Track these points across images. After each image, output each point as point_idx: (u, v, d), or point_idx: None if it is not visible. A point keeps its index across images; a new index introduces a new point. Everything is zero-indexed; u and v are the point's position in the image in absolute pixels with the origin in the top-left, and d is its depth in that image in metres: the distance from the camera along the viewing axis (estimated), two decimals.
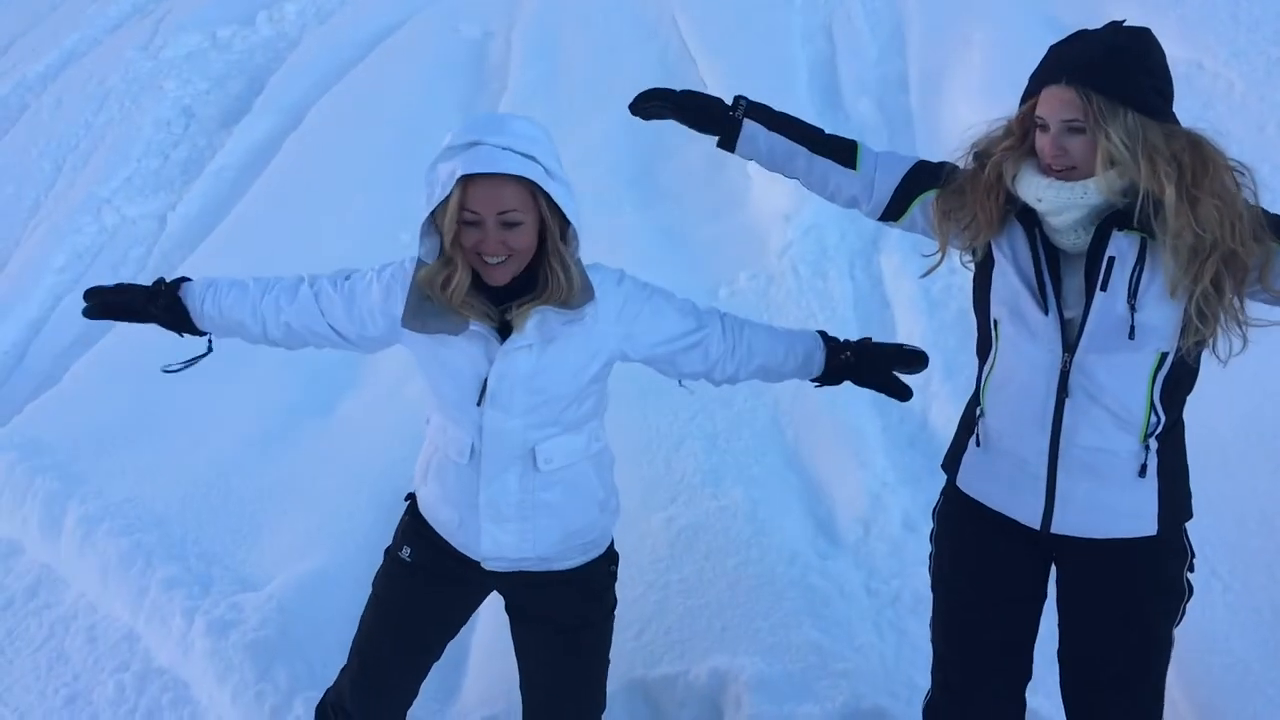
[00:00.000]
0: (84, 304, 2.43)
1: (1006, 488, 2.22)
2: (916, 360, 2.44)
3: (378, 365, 3.86)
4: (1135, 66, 1.95)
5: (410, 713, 2.61)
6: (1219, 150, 1.96)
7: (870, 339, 2.49)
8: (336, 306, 2.32)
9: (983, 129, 2.15)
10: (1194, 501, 2.21)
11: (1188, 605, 2.21)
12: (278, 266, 5.24)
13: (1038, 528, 2.19)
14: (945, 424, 3.84)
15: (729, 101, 2.44)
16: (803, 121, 2.43)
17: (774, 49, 6.57)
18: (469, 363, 2.18)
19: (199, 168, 6.81)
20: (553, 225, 2.08)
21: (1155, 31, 2.02)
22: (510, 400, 2.18)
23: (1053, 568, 2.32)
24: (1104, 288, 2.00)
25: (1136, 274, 1.98)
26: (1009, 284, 2.13)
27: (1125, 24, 2.02)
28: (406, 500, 2.53)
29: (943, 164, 2.27)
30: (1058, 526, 2.17)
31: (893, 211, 2.32)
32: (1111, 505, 2.12)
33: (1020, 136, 2.07)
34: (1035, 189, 2.01)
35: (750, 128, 2.39)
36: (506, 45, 7.55)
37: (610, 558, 2.46)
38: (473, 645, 3.22)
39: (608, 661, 2.50)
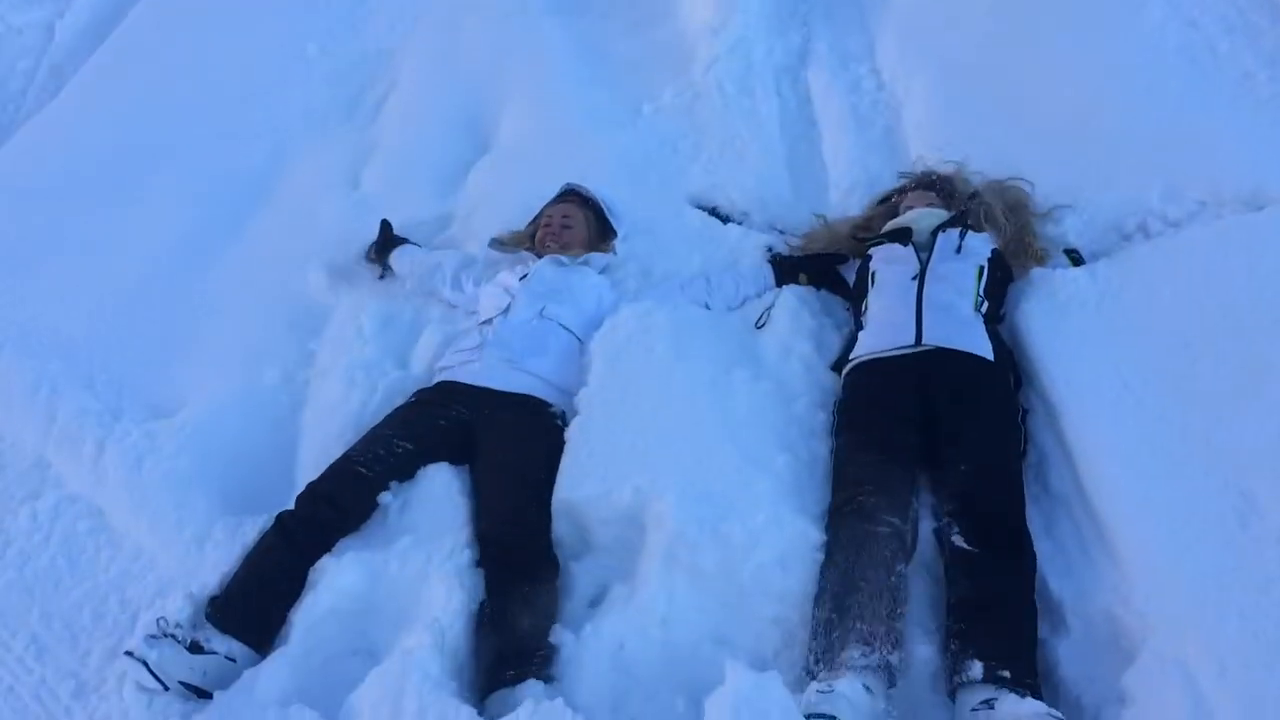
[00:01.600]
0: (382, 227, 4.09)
1: (885, 331, 3.25)
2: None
3: (284, 187, 3.69)
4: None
5: None
6: (1014, 188, 3.72)
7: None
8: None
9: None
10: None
11: (1027, 446, 3.06)
12: (173, 81, 5.00)
13: (913, 342, 3.15)
14: None
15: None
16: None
17: None
18: (522, 264, 3.74)
19: None
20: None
21: None
22: (539, 281, 3.60)
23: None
24: (944, 230, 3.48)
25: (963, 234, 3.46)
26: (880, 252, 3.52)
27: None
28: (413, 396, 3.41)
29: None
30: (926, 339, 3.15)
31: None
32: (960, 328, 3.18)
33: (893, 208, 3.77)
34: (907, 218, 3.57)
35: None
36: None
37: (565, 414, 3.27)
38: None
39: (553, 482, 3.04)
